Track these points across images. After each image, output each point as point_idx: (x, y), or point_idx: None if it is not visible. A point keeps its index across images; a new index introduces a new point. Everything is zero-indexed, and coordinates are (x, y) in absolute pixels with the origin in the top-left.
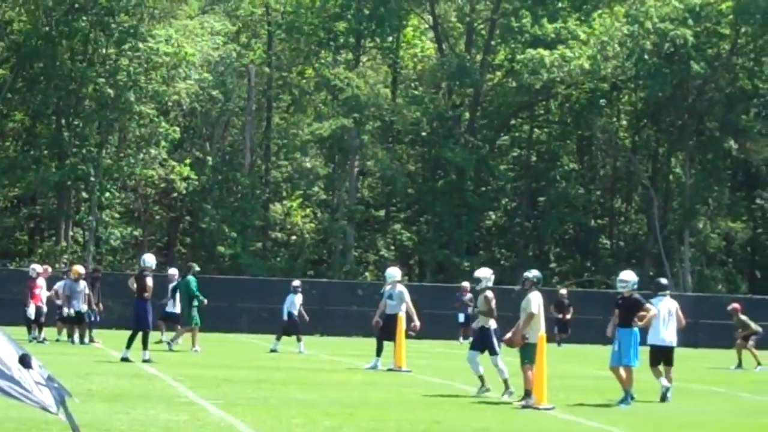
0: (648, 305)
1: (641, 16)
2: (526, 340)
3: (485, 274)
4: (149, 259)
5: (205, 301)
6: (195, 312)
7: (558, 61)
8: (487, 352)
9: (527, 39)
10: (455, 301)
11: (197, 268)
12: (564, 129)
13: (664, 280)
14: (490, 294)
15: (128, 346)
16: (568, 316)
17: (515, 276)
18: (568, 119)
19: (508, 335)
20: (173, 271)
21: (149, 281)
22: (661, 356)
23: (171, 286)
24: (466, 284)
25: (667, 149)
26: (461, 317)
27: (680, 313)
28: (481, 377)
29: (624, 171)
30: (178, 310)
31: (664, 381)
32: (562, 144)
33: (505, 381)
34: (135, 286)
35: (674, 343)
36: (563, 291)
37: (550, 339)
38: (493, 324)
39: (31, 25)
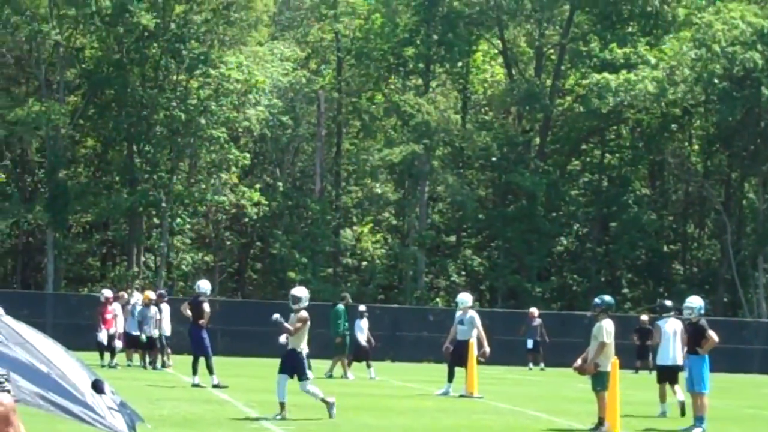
0: (710, 332)
1: (709, 40)
2: (598, 368)
3: (302, 293)
4: (204, 285)
5: (338, 339)
6: (346, 341)
7: (624, 86)
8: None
9: (596, 64)
10: (523, 327)
11: (350, 300)
12: (635, 154)
13: (668, 302)
14: (304, 314)
15: (194, 372)
16: (649, 342)
17: (587, 302)
18: (640, 144)
19: (579, 362)
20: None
21: (206, 307)
22: (668, 375)
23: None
24: (534, 310)
25: (740, 174)
26: (530, 343)
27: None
28: (282, 404)
29: (696, 196)
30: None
31: (679, 395)
32: (634, 169)
33: (324, 401)
34: (188, 312)
35: (680, 362)
36: (644, 317)
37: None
38: (305, 348)
39: (102, 52)
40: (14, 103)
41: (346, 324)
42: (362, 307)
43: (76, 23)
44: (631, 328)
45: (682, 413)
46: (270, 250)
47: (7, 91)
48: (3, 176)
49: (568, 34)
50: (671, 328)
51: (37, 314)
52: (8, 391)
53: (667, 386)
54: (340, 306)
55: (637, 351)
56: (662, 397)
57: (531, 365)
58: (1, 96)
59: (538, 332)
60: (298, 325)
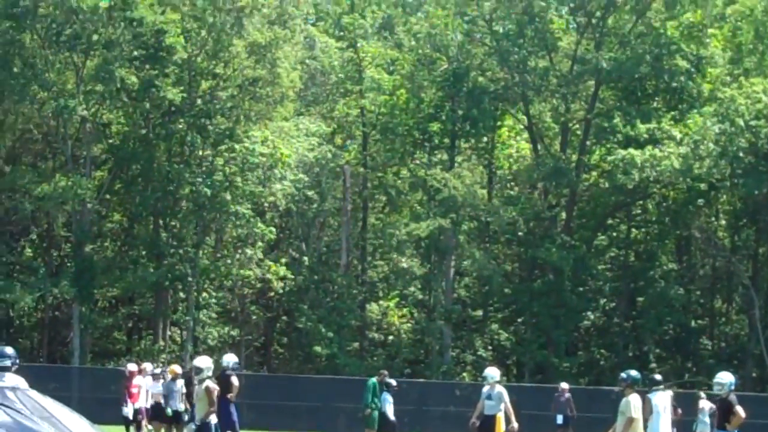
0: (737, 407)
1: (733, 114)
2: None
3: (206, 363)
4: (230, 359)
5: (368, 410)
6: (373, 415)
7: (649, 161)
8: None
9: (621, 139)
10: (553, 403)
11: (385, 376)
12: (662, 229)
13: (657, 376)
14: (211, 384)
15: None
16: (673, 417)
17: (614, 377)
18: (666, 219)
19: None
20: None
21: (234, 381)
22: None
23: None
24: (564, 385)
25: (767, 248)
26: (560, 418)
27: (674, 405)
28: None
29: (724, 271)
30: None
31: None
32: (660, 244)
33: None
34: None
35: None
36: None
37: None
38: (213, 418)
39: (129, 127)
40: (41, 178)
41: (376, 398)
42: (393, 382)
43: (103, 99)
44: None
45: None
46: (296, 324)
47: (34, 167)
48: (30, 251)
49: (593, 109)
50: (661, 401)
51: (63, 388)
52: None
53: None
54: (372, 380)
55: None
56: None
57: None
58: (28, 171)
59: (567, 407)
60: (213, 396)
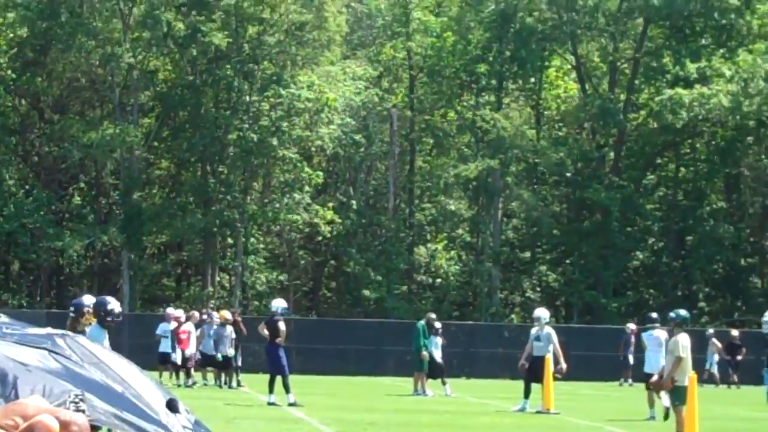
0: None
1: None
2: (675, 382)
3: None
4: (279, 304)
5: (424, 352)
6: (422, 357)
7: (698, 100)
8: None
9: (669, 78)
10: (622, 343)
11: (432, 319)
12: (711, 167)
13: (654, 314)
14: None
15: (270, 391)
16: (740, 357)
17: (663, 317)
18: (715, 157)
19: (655, 378)
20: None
21: (281, 326)
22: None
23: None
24: (631, 326)
25: None
26: (631, 359)
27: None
28: None
29: None
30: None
31: (665, 401)
32: (710, 182)
33: None
34: (265, 332)
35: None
36: (735, 332)
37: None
38: None
39: (175, 74)
40: (89, 126)
41: (426, 340)
42: (437, 324)
43: (150, 46)
44: (707, 342)
45: (666, 417)
46: (344, 268)
47: (82, 115)
48: (78, 198)
49: (641, 48)
50: (656, 338)
51: (113, 335)
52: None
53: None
54: (420, 322)
55: (729, 365)
56: (650, 403)
57: (630, 381)
58: (76, 120)
59: (632, 347)
60: None
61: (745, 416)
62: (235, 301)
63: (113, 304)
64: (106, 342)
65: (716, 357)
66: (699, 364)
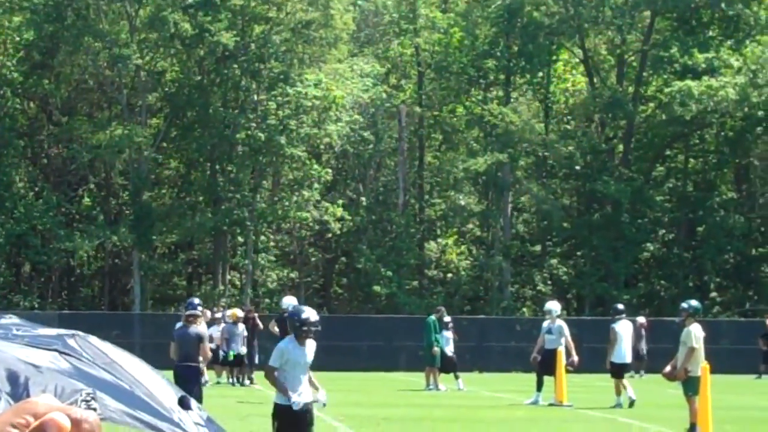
0: None
1: None
2: (688, 373)
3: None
4: (289, 301)
5: (436, 348)
6: (433, 352)
7: (707, 92)
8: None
9: (677, 69)
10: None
11: (444, 313)
12: (720, 158)
13: (620, 306)
14: None
15: None
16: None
17: (675, 308)
18: (724, 148)
19: (668, 369)
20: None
21: None
22: (622, 372)
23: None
24: (641, 319)
25: None
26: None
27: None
28: None
29: None
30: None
31: (631, 393)
32: (719, 173)
33: None
34: (276, 329)
35: (630, 361)
36: None
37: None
38: None
39: (183, 74)
40: (97, 127)
41: (437, 335)
42: (447, 319)
43: (157, 47)
44: (720, 332)
45: (630, 405)
46: (355, 265)
47: (90, 116)
48: (88, 200)
49: (649, 40)
50: (624, 329)
51: (125, 335)
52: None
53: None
54: (431, 317)
55: (764, 355)
56: (617, 391)
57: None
58: (84, 121)
59: (644, 340)
60: None
61: (761, 405)
62: (247, 299)
63: (308, 313)
64: (308, 356)
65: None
66: (711, 354)
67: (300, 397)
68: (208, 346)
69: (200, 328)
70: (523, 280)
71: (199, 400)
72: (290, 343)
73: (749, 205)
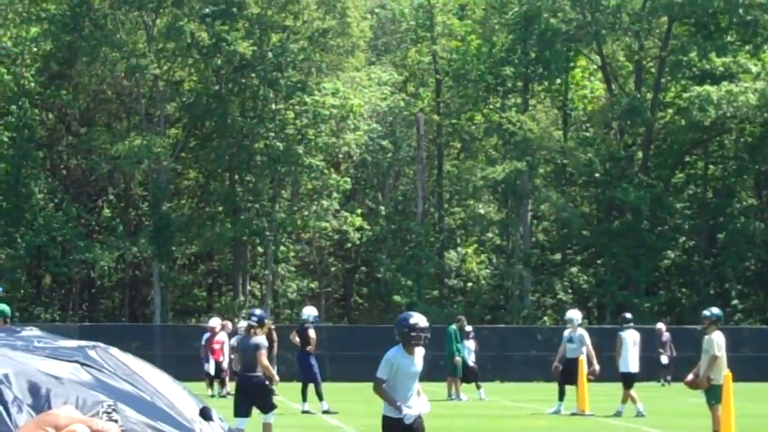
0: None
1: None
2: (711, 381)
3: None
4: (309, 312)
5: (457, 357)
6: (455, 362)
7: (726, 98)
8: None
9: (696, 74)
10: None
11: (464, 323)
12: (740, 164)
13: (628, 315)
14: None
15: (303, 399)
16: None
17: (696, 315)
18: (744, 154)
19: (691, 377)
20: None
21: (312, 333)
22: (632, 381)
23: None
24: (661, 326)
25: None
26: (664, 359)
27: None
28: None
29: None
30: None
31: (639, 406)
32: (739, 179)
33: None
34: (297, 339)
35: (637, 370)
36: None
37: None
38: None
39: (201, 84)
40: (116, 138)
41: (458, 345)
42: (468, 328)
43: (174, 57)
44: (742, 340)
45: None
46: (375, 274)
47: (109, 127)
48: (108, 211)
49: (667, 45)
50: (630, 338)
51: (145, 346)
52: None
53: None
54: (452, 327)
55: None
56: (623, 400)
57: (664, 380)
58: (102, 131)
59: (668, 347)
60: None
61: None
62: (267, 310)
63: (416, 318)
64: (418, 365)
65: None
66: (733, 362)
67: (411, 409)
68: (264, 353)
69: (259, 338)
70: (544, 288)
71: (265, 408)
72: (398, 352)
73: None
